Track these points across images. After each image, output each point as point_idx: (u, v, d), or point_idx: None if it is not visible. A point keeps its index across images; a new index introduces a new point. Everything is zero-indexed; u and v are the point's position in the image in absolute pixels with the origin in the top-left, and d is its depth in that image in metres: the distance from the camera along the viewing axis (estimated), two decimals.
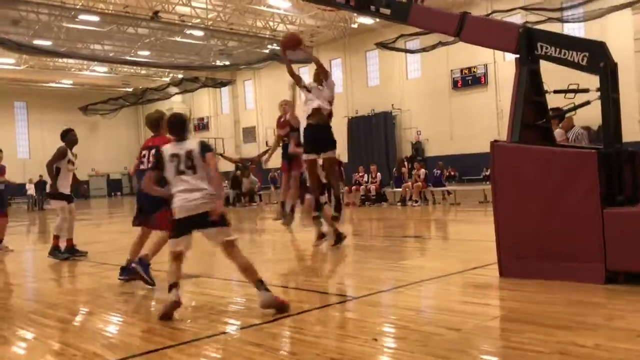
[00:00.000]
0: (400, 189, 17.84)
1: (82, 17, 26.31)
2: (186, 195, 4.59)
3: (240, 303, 5.24)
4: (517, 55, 5.60)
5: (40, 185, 30.23)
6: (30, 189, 30.89)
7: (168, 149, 4.73)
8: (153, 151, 5.90)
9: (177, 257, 4.74)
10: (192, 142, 4.71)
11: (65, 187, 9.03)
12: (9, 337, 4.36)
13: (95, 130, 48.30)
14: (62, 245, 8.89)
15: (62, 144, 9.36)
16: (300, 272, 7.15)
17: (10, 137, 44.75)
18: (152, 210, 6.17)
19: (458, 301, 4.75)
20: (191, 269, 7.34)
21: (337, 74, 36.30)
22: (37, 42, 27.91)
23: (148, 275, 6.11)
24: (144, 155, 6.44)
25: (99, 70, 40.53)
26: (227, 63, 33.33)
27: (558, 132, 7.98)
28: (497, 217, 5.43)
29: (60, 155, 8.90)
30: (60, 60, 35.84)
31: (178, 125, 4.87)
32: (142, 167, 6.43)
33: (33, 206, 30.84)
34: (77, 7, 25.90)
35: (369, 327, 4.09)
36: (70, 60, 35.93)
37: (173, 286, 4.62)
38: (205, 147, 4.70)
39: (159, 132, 6.55)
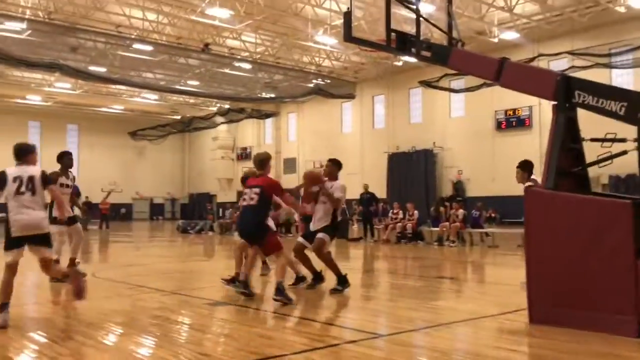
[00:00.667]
0: (437, 228, 17.71)
1: (137, 46, 27.38)
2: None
3: (265, 333, 5.31)
4: (555, 102, 5.63)
5: (86, 206, 31.02)
6: (77, 210, 31.74)
7: None
8: (257, 189, 6.88)
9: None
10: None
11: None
12: (48, 354, 4.55)
13: (142, 155, 49.69)
14: (64, 264, 8.97)
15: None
16: (331, 307, 7.19)
17: None
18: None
19: (487, 346, 4.73)
20: (220, 296, 7.47)
21: (379, 110, 36.58)
22: (93, 68, 29.12)
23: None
24: (246, 193, 7.05)
25: (149, 98, 41.87)
26: (273, 95, 34.01)
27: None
28: (529, 263, 5.40)
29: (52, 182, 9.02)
30: (113, 86, 37.24)
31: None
32: (244, 203, 7.09)
33: None
34: (132, 36, 26.99)
35: None
36: (122, 87, 37.27)
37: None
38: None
39: (264, 171, 7.25)
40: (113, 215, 32.55)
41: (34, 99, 41.07)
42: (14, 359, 4.39)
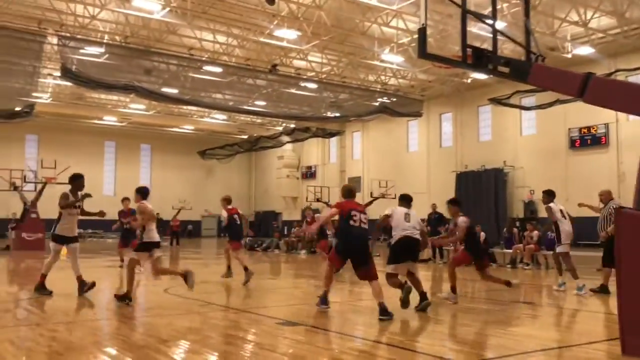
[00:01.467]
0: (510, 250, 17.10)
1: (207, 68, 28.16)
2: None
3: (337, 356, 5.18)
4: None
5: (158, 222, 31.89)
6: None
7: None
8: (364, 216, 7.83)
9: None
10: None
11: (66, 231, 9.47)
12: None
13: (210, 174, 50.89)
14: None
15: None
16: (403, 330, 6.99)
17: (135, 177, 48.19)
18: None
19: None
20: (290, 316, 7.41)
21: (447, 128, 36.01)
22: (166, 90, 30.14)
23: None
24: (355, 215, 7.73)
25: (218, 118, 42.91)
26: (338, 114, 34.08)
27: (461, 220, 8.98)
28: (621, 290, 5.03)
29: (62, 200, 9.42)
30: (184, 107, 38.43)
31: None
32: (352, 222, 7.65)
33: None
34: (203, 58, 27.79)
35: None
36: (193, 108, 38.39)
37: None
38: None
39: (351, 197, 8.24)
40: (181, 232, 33.36)
41: (110, 120, 42.92)
42: None
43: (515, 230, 18.14)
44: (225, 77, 29.75)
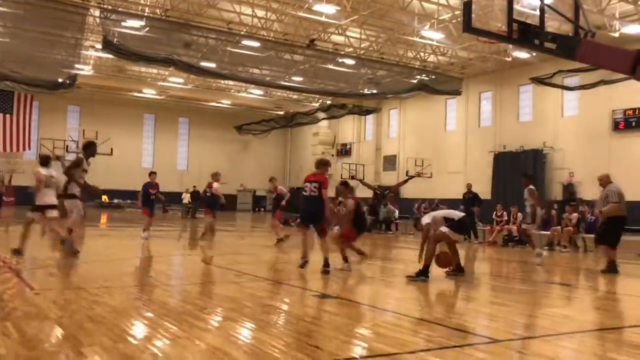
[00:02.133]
0: (548, 232, 16.83)
1: (245, 42, 28.17)
2: None
3: (373, 328, 5.20)
4: None
5: (195, 194, 32.38)
6: (186, 198, 33.10)
7: None
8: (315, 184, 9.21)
9: None
10: None
11: (76, 191, 9.93)
12: (163, 333, 4.71)
13: (246, 149, 51.25)
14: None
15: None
16: (441, 307, 6.98)
17: (172, 150, 48.90)
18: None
19: (614, 359, 4.35)
20: (325, 289, 7.47)
21: (486, 107, 35.37)
22: (204, 64, 30.31)
23: None
24: (306, 185, 9.32)
25: (255, 93, 43.02)
26: (375, 91, 33.78)
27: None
28: None
29: (75, 164, 9.92)
30: (221, 81, 38.62)
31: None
32: (304, 193, 9.32)
33: (186, 214, 33.09)
34: (242, 32, 27.80)
35: None
36: (230, 82, 38.56)
37: None
38: None
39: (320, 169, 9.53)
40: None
41: (150, 93, 43.46)
42: (133, 335, 4.58)
43: (553, 212, 17.81)
44: (263, 52, 29.72)
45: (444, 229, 8.79)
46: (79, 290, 6.73)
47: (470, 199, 19.59)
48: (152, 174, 16.05)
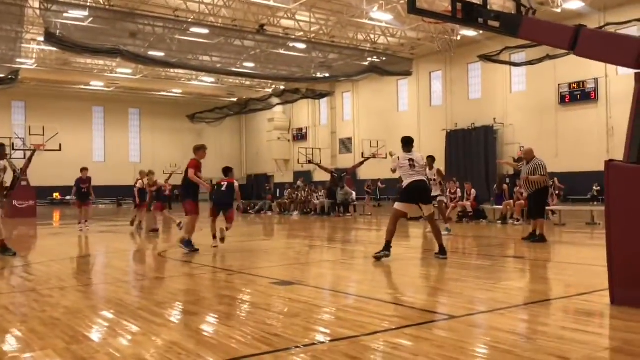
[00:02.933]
0: (501, 207, 17.24)
1: (193, 29, 27.67)
2: None
3: (334, 313, 5.24)
4: (637, 71, 5.24)
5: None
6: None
7: None
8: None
9: None
10: None
11: None
12: (118, 331, 4.63)
13: (201, 138, 50.41)
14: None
15: None
16: (397, 286, 7.08)
17: (124, 142, 47.86)
18: None
19: (564, 328, 4.50)
20: (284, 275, 7.48)
21: (436, 87, 35.83)
22: (152, 53, 29.66)
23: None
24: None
25: (207, 81, 42.43)
26: (327, 75, 33.79)
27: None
28: (611, 242, 5.10)
29: None
30: (171, 70, 37.90)
31: None
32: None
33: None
34: (189, 20, 27.29)
35: (468, 349, 3.96)
36: (180, 71, 37.89)
37: None
38: None
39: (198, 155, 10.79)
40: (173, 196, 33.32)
41: (98, 85, 42.35)
42: (87, 336, 4.48)
43: (505, 186, 18.23)
44: (212, 39, 29.29)
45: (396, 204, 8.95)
46: (31, 293, 6.54)
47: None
48: (83, 169, 16.97)
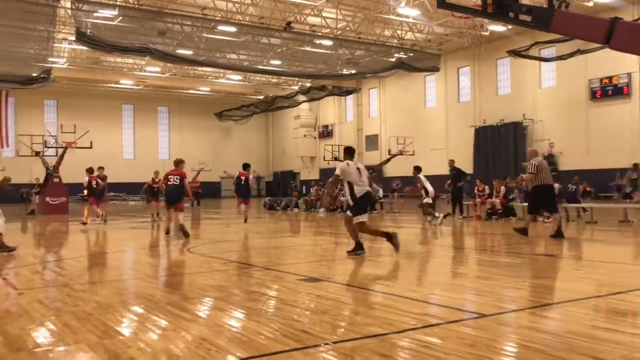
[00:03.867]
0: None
1: (221, 27, 27.85)
2: None
3: (362, 310, 5.22)
4: None
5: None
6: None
7: None
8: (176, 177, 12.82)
9: None
10: None
11: None
12: (148, 326, 4.68)
13: (228, 135, 50.96)
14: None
15: None
16: (423, 284, 7.02)
17: (153, 140, 48.46)
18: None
19: (600, 328, 4.40)
20: (311, 272, 7.48)
21: (464, 83, 35.46)
22: (180, 51, 29.94)
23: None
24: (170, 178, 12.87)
25: (234, 79, 42.67)
26: (354, 71, 33.67)
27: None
28: None
29: None
30: (199, 68, 38.22)
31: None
32: (170, 183, 12.81)
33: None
34: (217, 18, 27.47)
35: (500, 347, 3.91)
36: (208, 69, 38.18)
37: None
38: None
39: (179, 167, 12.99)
40: (203, 193, 33.65)
41: (127, 83, 42.92)
42: (118, 330, 4.55)
43: None
44: (240, 37, 29.42)
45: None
46: (63, 288, 6.66)
47: (454, 176, 19.48)
48: (100, 168, 19.09)
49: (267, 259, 9.31)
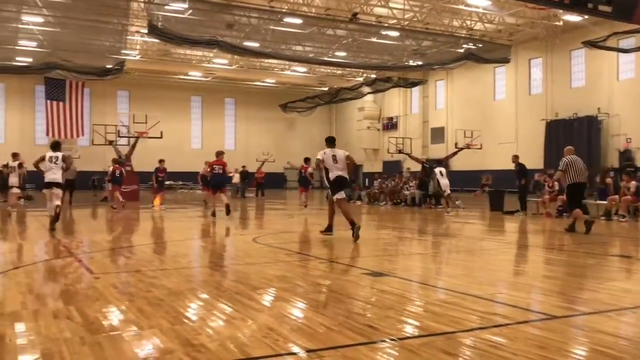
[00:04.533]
0: (604, 202, 16.29)
1: (287, 19, 28.09)
2: None
3: (427, 307, 5.17)
4: None
5: (243, 174, 32.70)
6: (235, 178, 33.26)
7: None
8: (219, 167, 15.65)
9: None
10: None
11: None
12: (217, 314, 4.81)
13: (292, 127, 51.44)
14: None
15: None
16: (489, 282, 6.87)
17: (220, 131, 49.54)
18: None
19: None
20: (375, 266, 7.46)
21: (536, 74, 34.33)
22: (247, 43, 30.40)
23: None
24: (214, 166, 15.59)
25: (299, 70, 42.97)
26: (420, 63, 33.22)
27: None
28: None
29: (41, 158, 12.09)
30: (265, 60, 38.70)
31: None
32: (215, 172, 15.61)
33: (236, 193, 33.49)
34: (283, 10, 27.71)
35: (571, 351, 3.78)
36: (274, 61, 38.60)
37: None
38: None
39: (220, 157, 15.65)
40: (265, 183, 34.11)
41: (196, 75, 43.99)
42: (188, 317, 4.69)
43: (609, 180, 17.20)
44: (305, 29, 29.59)
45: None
46: (136, 273, 6.93)
47: (518, 172, 18.70)
48: (161, 161, 20.58)
49: (329, 251, 9.36)
